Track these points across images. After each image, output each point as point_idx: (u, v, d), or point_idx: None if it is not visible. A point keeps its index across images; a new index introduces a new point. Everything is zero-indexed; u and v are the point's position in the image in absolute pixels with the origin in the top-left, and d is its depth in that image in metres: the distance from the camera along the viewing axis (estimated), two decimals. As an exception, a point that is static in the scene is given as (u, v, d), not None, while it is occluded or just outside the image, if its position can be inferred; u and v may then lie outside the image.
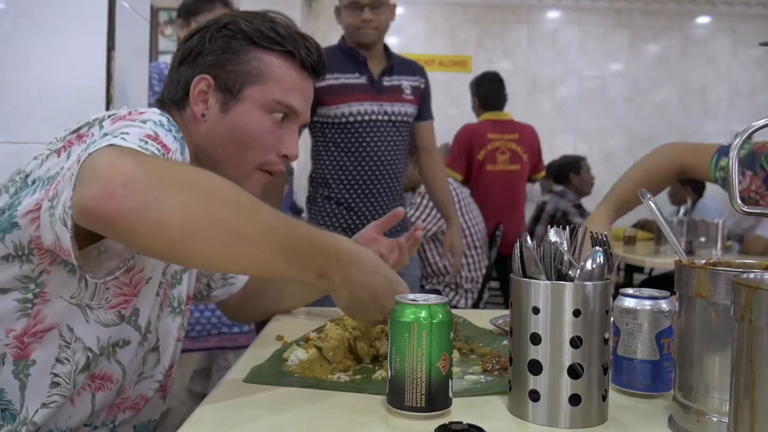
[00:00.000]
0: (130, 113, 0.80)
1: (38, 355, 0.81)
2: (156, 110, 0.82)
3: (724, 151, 1.28)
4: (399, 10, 6.09)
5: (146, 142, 0.74)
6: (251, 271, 0.76)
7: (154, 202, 0.65)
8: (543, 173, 3.75)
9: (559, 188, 3.91)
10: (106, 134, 0.75)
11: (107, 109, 1.51)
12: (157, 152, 0.74)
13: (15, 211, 0.77)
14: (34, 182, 0.79)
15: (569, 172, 3.98)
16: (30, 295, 0.80)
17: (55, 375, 0.82)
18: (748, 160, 1.25)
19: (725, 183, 1.27)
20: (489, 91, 3.61)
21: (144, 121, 0.78)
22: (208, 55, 0.96)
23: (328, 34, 5.78)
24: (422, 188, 3.25)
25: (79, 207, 0.66)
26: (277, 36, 0.97)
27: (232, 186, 0.73)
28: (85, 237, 0.72)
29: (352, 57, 2.19)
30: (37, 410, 0.81)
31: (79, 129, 0.82)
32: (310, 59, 0.99)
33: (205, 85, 0.96)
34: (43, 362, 0.82)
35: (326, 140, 2.18)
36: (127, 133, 0.73)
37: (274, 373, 0.84)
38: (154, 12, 4.92)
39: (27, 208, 0.76)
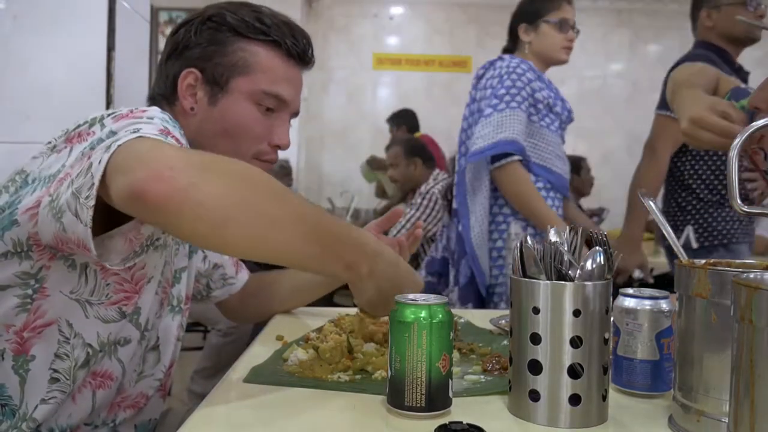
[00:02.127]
0: (132, 111, 0.80)
1: (37, 351, 0.81)
2: (156, 108, 0.82)
3: (734, 94, 1.25)
4: (399, 11, 6.08)
5: (165, 137, 0.74)
6: (283, 258, 0.75)
7: (200, 184, 0.66)
8: None
9: (559, 189, 3.90)
10: (113, 132, 0.75)
11: (107, 109, 1.52)
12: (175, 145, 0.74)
13: (15, 209, 0.78)
14: (33, 181, 0.79)
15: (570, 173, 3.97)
16: (30, 291, 0.80)
17: (55, 371, 0.82)
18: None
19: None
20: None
21: (151, 118, 0.78)
22: (195, 49, 0.96)
23: (328, 34, 5.78)
24: (423, 188, 3.25)
25: (126, 192, 0.65)
26: (263, 26, 0.96)
27: (264, 173, 0.73)
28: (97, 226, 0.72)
29: (728, 62, 2.09)
30: (36, 406, 0.81)
31: (78, 128, 0.82)
32: (297, 48, 0.99)
33: (193, 78, 0.96)
34: (42, 358, 0.82)
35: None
36: (141, 128, 0.73)
37: (274, 373, 0.84)
38: (154, 12, 4.91)
39: (27, 206, 0.77)
